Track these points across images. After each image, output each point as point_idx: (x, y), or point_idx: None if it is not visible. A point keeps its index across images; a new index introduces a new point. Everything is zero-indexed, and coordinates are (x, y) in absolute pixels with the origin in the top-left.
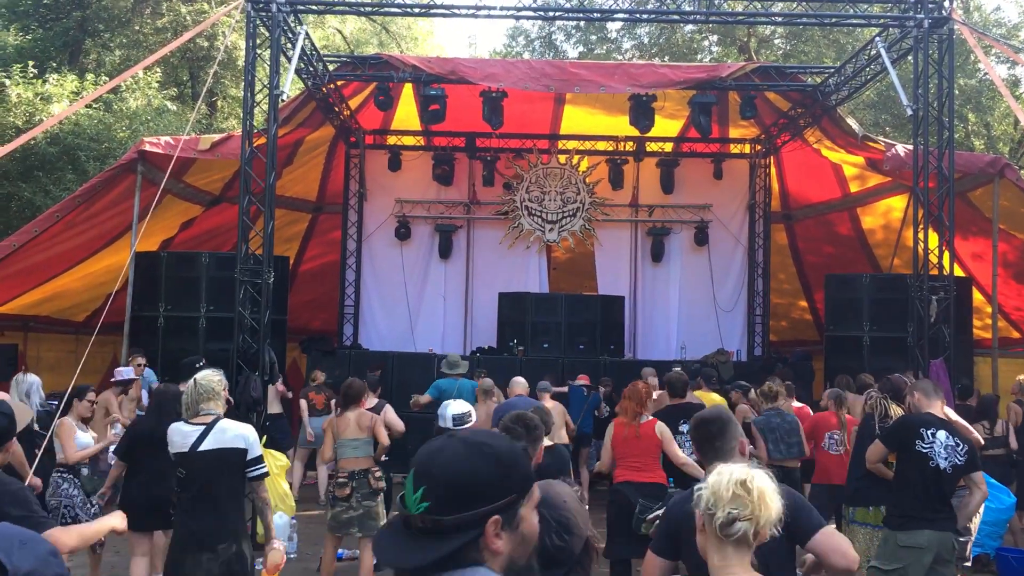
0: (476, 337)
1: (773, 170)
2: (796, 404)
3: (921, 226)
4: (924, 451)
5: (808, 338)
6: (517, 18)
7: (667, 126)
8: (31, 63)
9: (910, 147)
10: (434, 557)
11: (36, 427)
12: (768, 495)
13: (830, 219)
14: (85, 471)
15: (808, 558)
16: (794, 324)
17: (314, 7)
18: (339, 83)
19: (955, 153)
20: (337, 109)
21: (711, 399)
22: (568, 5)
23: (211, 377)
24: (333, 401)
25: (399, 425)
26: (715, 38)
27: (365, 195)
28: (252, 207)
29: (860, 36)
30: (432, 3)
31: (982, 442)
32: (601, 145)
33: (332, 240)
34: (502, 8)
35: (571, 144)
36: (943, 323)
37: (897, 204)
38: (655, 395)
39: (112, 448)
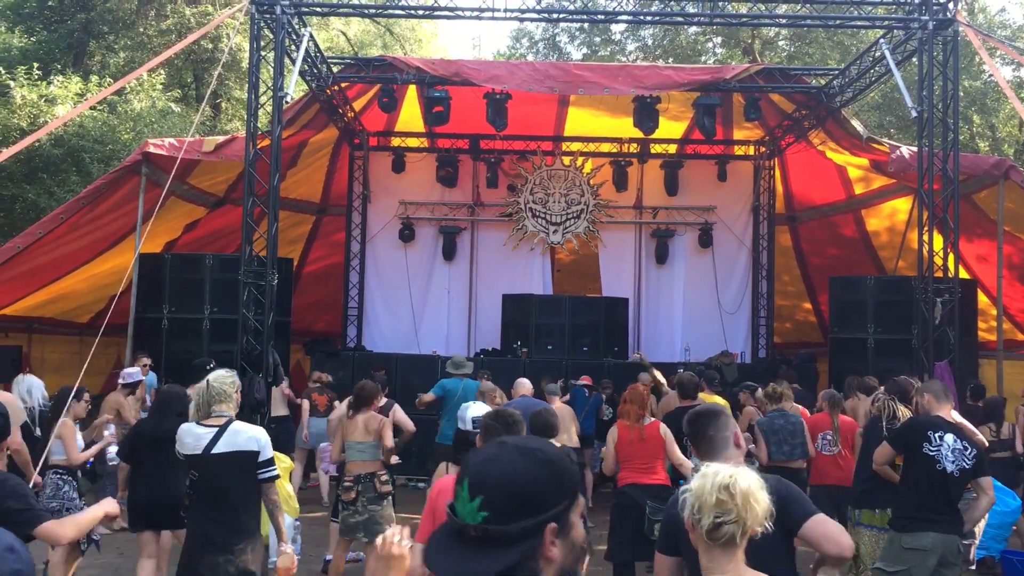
0: (480, 339)
1: (777, 172)
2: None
3: (926, 228)
4: (931, 454)
5: (812, 340)
6: (521, 20)
7: (671, 128)
8: (35, 65)
9: (914, 149)
10: (499, 567)
11: (38, 431)
12: (753, 494)
13: (834, 221)
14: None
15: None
16: (798, 326)
17: (318, 9)
18: (343, 85)
19: (960, 155)
20: (341, 111)
21: (713, 401)
22: (572, 7)
23: (224, 379)
24: (336, 402)
25: (409, 425)
26: (719, 40)
27: (369, 197)
28: (256, 209)
29: (864, 38)
30: (436, 5)
31: (986, 444)
32: (605, 147)
33: (336, 242)
34: (506, 10)
35: (575, 146)
36: (948, 325)
37: (902, 206)
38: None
39: (109, 449)
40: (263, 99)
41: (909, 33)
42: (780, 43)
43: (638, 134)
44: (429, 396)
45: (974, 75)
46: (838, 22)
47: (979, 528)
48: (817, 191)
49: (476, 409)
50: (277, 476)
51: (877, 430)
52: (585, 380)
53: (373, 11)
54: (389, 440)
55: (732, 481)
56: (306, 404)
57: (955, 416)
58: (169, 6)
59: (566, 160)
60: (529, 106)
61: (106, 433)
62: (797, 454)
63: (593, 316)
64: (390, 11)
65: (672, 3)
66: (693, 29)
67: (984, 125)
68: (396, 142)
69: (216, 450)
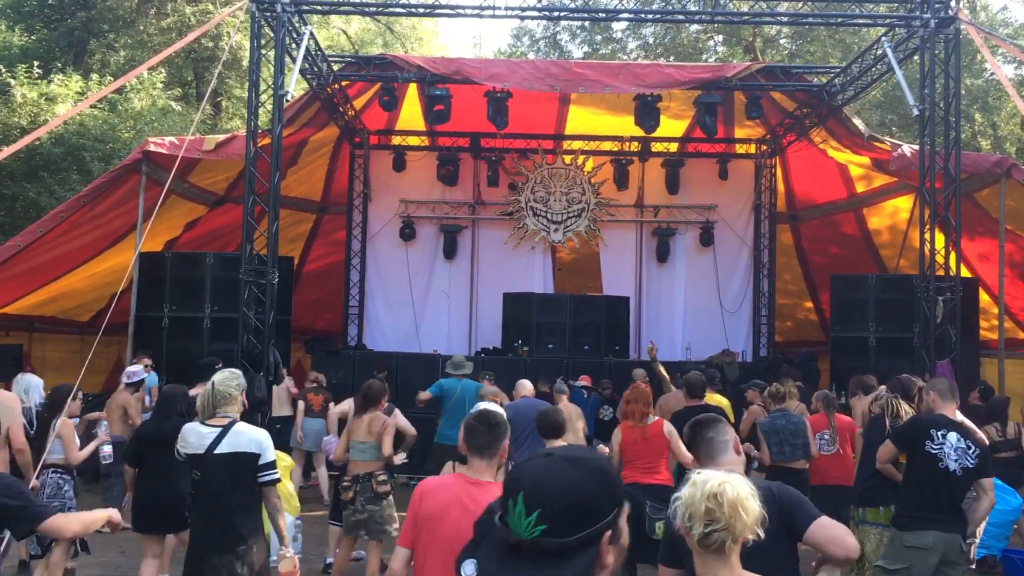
0: (481, 338)
1: (779, 170)
2: None
3: (927, 226)
4: (933, 452)
5: (814, 339)
6: (522, 18)
7: (672, 126)
8: (36, 63)
9: (916, 147)
10: None
11: (32, 431)
12: (742, 503)
13: (836, 219)
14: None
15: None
16: (799, 325)
17: (319, 7)
18: (344, 83)
19: (962, 153)
20: (342, 109)
21: (714, 400)
22: (573, 5)
23: (229, 382)
24: (331, 403)
25: (411, 430)
26: (720, 38)
27: (370, 195)
28: (256, 207)
29: (866, 36)
30: (437, 3)
31: (986, 442)
32: (606, 145)
33: (336, 240)
34: (507, 8)
35: (576, 144)
36: (949, 324)
37: (903, 204)
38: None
39: (103, 448)
40: (264, 97)
41: (911, 31)
42: (781, 41)
43: (639, 132)
44: (426, 395)
45: (976, 73)
46: (840, 20)
47: (979, 527)
48: (818, 189)
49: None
50: (277, 480)
51: (879, 428)
52: (584, 380)
53: (374, 9)
54: (388, 447)
55: (721, 490)
56: (301, 405)
57: (958, 415)
58: (169, 4)
59: (567, 159)
60: (530, 104)
61: (100, 432)
62: (798, 455)
63: (594, 315)
64: (391, 9)
65: (673, 1)
66: (694, 27)
67: (986, 123)
68: (397, 140)
69: (219, 450)
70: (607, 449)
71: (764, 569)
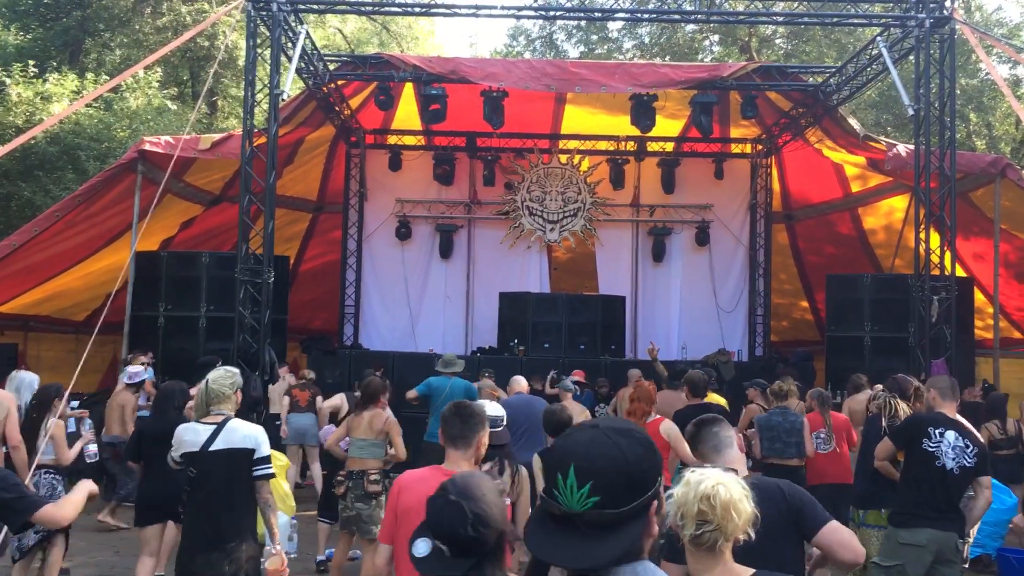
0: (477, 337)
1: (774, 170)
2: None
3: (922, 226)
4: (930, 450)
5: (809, 338)
6: (518, 18)
7: (668, 126)
8: (31, 62)
9: (911, 147)
10: (623, 549)
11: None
12: (734, 505)
13: (831, 219)
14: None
15: (814, 551)
16: (795, 324)
17: (315, 6)
18: (340, 82)
19: (956, 153)
20: (338, 109)
21: (711, 399)
22: (569, 5)
23: (223, 380)
24: (319, 398)
25: (401, 453)
26: (716, 38)
27: (366, 195)
28: (252, 207)
29: (862, 36)
30: (433, 3)
31: (982, 441)
32: (602, 145)
33: (332, 240)
34: (503, 8)
35: (572, 144)
36: (944, 323)
37: (898, 204)
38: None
39: (88, 447)
40: (259, 96)
41: (906, 31)
42: (777, 41)
43: (635, 132)
44: (413, 393)
45: (971, 73)
46: (835, 20)
47: (975, 526)
48: (814, 189)
49: (492, 409)
50: (272, 475)
51: (877, 428)
52: (577, 375)
53: (370, 8)
54: (400, 449)
55: (715, 492)
56: (286, 400)
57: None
58: (165, 3)
59: (563, 158)
60: (526, 104)
61: (84, 431)
62: (791, 452)
63: (590, 314)
64: (387, 8)
65: (669, 1)
66: (690, 27)
67: (981, 123)
68: (393, 140)
69: (213, 448)
70: None
71: (768, 566)
